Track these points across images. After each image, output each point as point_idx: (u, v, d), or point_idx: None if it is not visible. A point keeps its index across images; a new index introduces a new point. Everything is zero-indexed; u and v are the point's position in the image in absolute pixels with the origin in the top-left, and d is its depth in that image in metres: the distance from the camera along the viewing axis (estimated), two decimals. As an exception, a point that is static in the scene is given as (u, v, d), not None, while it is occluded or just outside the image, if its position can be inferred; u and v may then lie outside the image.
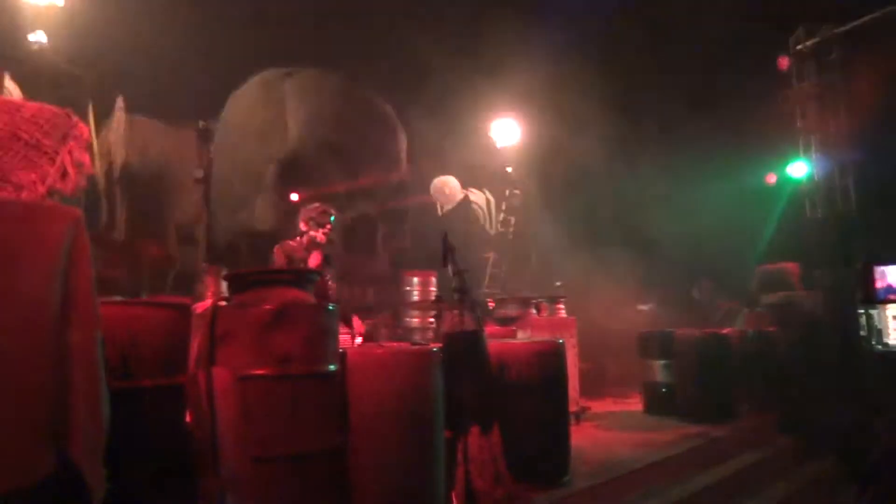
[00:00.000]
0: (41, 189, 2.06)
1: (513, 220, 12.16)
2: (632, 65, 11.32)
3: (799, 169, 9.99)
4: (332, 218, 4.77)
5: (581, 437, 5.20)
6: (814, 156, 9.81)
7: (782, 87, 10.05)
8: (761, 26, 10.81)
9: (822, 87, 9.70)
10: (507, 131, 11.86)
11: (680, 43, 11.29)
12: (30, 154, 2.08)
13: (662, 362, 6.87)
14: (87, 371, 1.86)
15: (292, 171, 10.90)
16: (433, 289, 8.75)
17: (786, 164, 10.20)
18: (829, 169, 9.66)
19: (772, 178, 10.79)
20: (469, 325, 3.81)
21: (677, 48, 11.33)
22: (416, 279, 8.86)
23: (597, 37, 10.72)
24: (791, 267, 9.24)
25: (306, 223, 4.72)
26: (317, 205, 4.87)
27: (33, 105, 2.21)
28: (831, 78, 9.62)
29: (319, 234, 4.71)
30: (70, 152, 2.20)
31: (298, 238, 4.75)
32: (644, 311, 10.15)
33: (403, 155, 11.56)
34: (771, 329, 7.70)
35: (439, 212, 12.06)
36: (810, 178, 9.86)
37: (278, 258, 4.62)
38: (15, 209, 1.76)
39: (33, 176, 2.08)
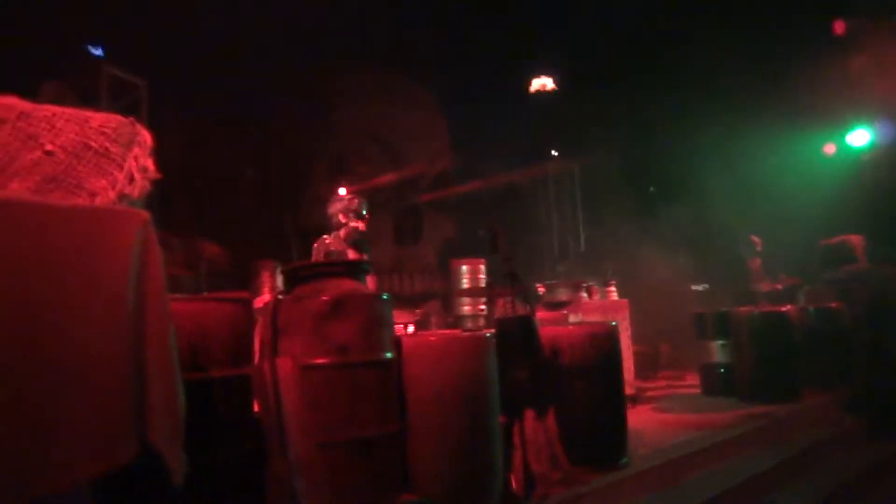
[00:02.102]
0: (112, 194, 2.18)
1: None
2: (685, 33, 11.00)
3: (860, 137, 9.56)
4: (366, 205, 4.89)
5: (638, 420, 5.16)
6: (877, 123, 9.36)
7: (840, 51, 9.61)
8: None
9: (884, 49, 9.22)
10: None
11: (733, 9, 10.91)
12: (100, 162, 2.20)
13: (719, 342, 6.73)
14: (163, 362, 1.98)
15: (339, 164, 11.10)
16: (482, 276, 8.78)
17: (845, 132, 9.77)
18: (893, 136, 9.21)
19: (831, 148, 10.34)
20: (520, 310, 3.83)
21: (731, 15, 10.94)
22: (465, 267, 8.90)
23: (650, 5, 10.45)
24: (854, 240, 8.84)
25: (346, 215, 4.78)
26: (351, 196, 4.94)
27: (100, 115, 2.32)
28: (893, 40, 9.14)
29: (361, 224, 4.80)
30: (136, 158, 2.31)
31: (335, 233, 4.80)
32: (698, 291, 9.92)
33: (447, 143, 11.61)
34: (833, 305, 7.41)
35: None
36: (873, 145, 9.42)
37: (316, 255, 4.70)
38: (92, 215, 1.88)
39: (104, 182, 2.20)
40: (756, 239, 8.84)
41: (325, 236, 4.79)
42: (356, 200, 4.84)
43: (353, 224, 4.77)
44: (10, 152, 2.02)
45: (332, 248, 4.68)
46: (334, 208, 4.83)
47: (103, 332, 1.85)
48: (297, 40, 10.36)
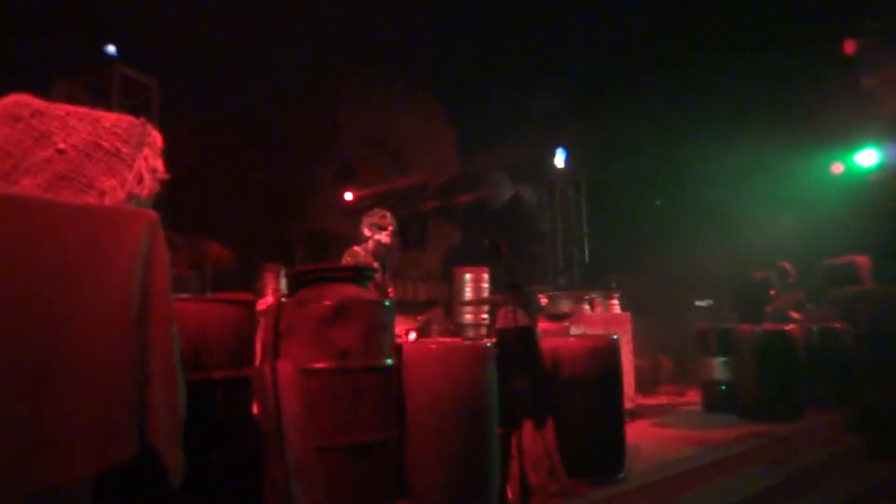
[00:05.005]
0: (121, 194, 2.20)
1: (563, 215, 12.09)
2: (694, 53, 11.04)
3: (868, 157, 9.55)
4: (391, 219, 4.92)
5: (637, 435, 5.14)
6: (885, 143, 9.36)
7: (850, 72, 9.62)
8: (826, 8, 10.36)
9: (893, 69, 9.23)
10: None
11: (744, 27, 10.94)
12: (111, 161, 2.23)
13: (721, 359, 6.71)
14: (165, 363, 1.99)
15: (345, 170, 11.15)
16: (485, 285, 8.78)
17: (853, 152, 9.77)
18: (901, 156, 9.21)
19: (839, 168, 10.34)
20: (522, 320, 3.84)
21: (742, 33, 10.97)
22: (468, 275, 8.90)
23: (657, 24, 10.49)
24: (860, 260, 8.82)
25: (370, 228, 4.83)
26: (376, 209, 4.99)
27: (112, 115, 2.35)
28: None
29: (384, 237, 4.83)
30: (146, 159, 2.33)
31: (364, 244, 4.85)
32: (702, 306, 9.90)
33: (454, 152, 11.65)
34: (837, 325, 7.39)
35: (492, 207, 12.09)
36: (881, 166, 9.42)
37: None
38: (101, 214, 1.91)
39: (114, 182, 2.23)
40: (788, 267, 8.71)
41: (356, 247, 4.82)
42: (378, 215, 4.85)
43: (376, 237, 4.81)
44: (23, 149, 2.05)
45: (363, 261, 4.70)
46: (361, 224, 4.88)
47: (107, 330, 1.87)
48: (308, 45, 10.43)
